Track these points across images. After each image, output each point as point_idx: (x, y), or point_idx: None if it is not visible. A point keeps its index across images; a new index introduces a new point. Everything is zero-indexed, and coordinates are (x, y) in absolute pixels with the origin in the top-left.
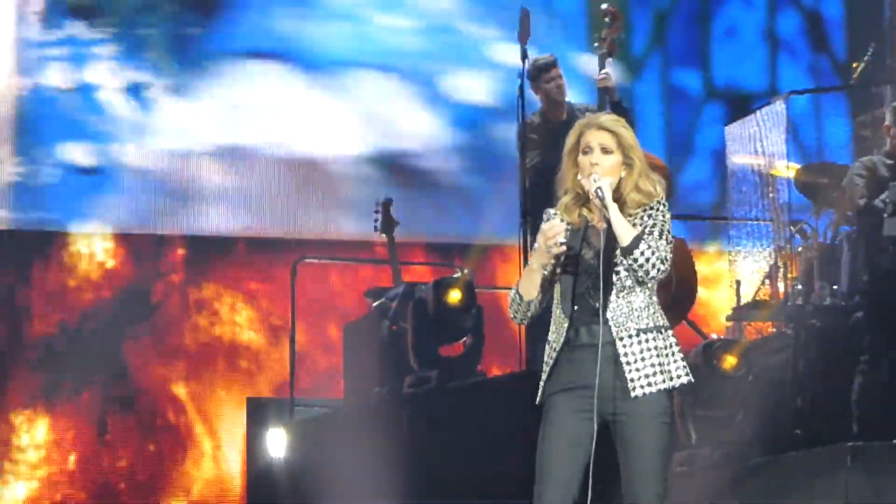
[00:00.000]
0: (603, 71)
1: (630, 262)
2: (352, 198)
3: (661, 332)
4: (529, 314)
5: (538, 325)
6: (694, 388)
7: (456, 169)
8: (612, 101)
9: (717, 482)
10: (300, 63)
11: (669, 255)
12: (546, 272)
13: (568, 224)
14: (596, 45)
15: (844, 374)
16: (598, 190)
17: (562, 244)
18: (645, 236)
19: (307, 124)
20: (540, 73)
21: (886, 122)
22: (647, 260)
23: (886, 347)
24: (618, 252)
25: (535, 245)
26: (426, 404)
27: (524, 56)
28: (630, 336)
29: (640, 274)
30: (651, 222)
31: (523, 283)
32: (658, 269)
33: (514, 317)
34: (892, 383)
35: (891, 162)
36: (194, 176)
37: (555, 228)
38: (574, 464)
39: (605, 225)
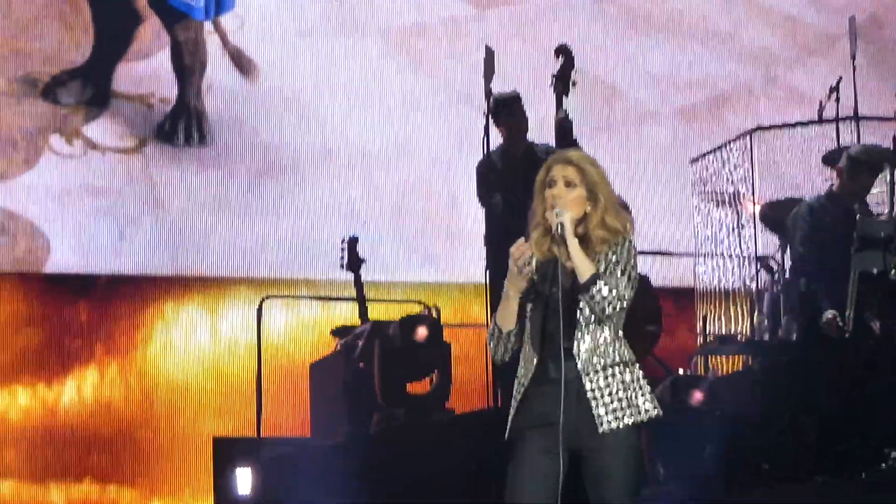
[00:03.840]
0: (560, 109)
1: (587, 298)
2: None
3: (628, 367)
4: (510, 347)
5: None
6: (661, 422)
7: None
8: (568, 142)
9: None
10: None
11: (629, 293)
12: (521, 297)
13: (539, 261)
14: (552, 84)
15: (811, 409)
16: (559, 225)
17: (529, 264)
18: (603, 273)
19: None
20: (502, 108)
21: (840, 164)
22: (604, 297)
23: (844, 384)
24: None
25: (508, 273)
26: (394, 442)
27: (488, 95)
28: (596, 371)
29: (597, 311)
30: (615, 259)
31: (500, 314)
32: (614, 307)
33: (496, 353)
34: (857, 420)
35: (832, 206)
36: None
37: (520, 248)
38: (542, 500)
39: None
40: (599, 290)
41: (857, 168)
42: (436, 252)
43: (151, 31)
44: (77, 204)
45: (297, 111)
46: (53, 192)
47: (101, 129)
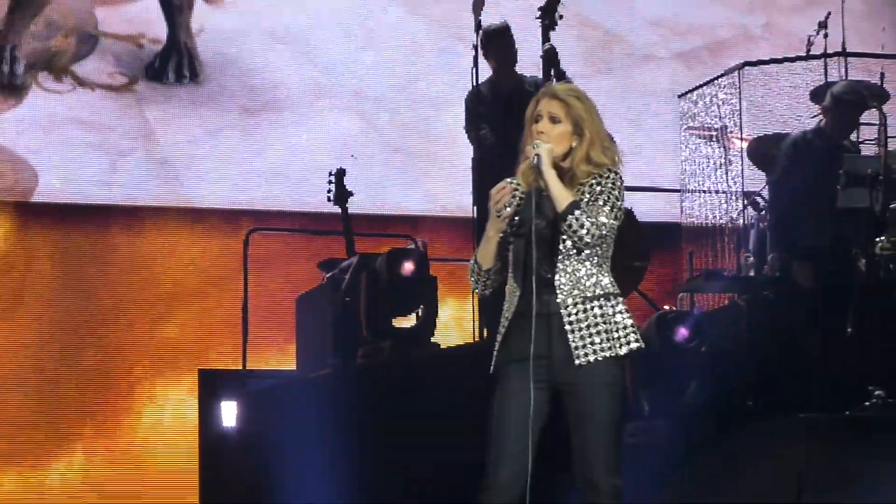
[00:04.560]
0: (546, 42)
1: (564, 227)
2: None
3: (609, 300)
4: (490, 283)
5: (493, 295)
6: (646, 358)
7: (411, 139)
8: (557, 72)
9: (670, 454)
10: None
11: (609, 222)
12: (502, 237)
13: (522, 193)
14: (538, 16)
15: (797, 345)
16: (536, 157)
17: (508, 207)
18: (584, 203)
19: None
20: (491, 39)
21: (825, 103)
22: (582, 225)
23: (835, 319)
24: None
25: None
26: (379, 375)
27: (478, 27)
28: (576, 304)
29: (574, 239)
30: (598, 189)
31: (481, 252)
32: (593, 235)
33: (475, 287)
34: (843, 355)
35: (820, 143)
36: None
37: (501, 192)
38: (527, 433)
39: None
40: (577, 219)
41: (840, 106)
42: (429, 185)
43: None
44: (66, 137)
45: (292, 51)
46: (42, 126)
47: (90, 68)
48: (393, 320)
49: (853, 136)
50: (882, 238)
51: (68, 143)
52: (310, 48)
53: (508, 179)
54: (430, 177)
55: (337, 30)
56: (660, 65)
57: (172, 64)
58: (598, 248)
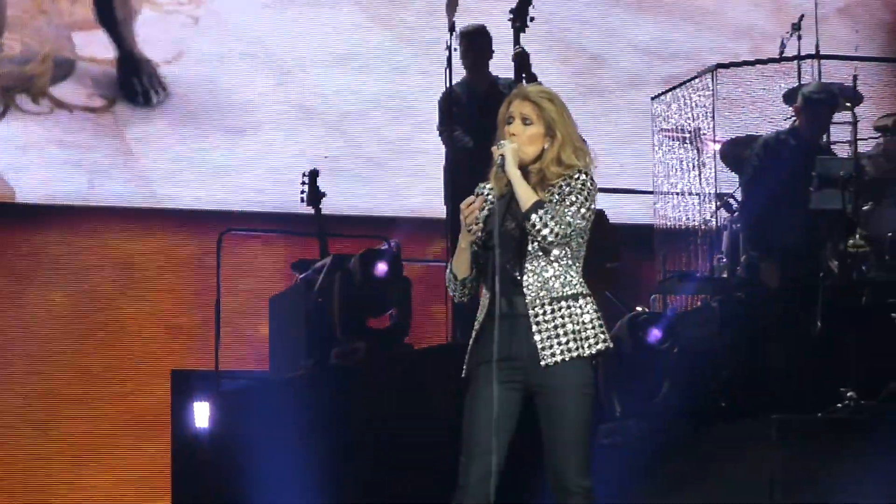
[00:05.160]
0: (517, 45)
1: (528, 227)
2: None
3: (578, 300)
4: (468, 291)
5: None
6: (619, 360)
7: (384, 141)
8: (528, 75)
9: (642, 455)
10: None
11: (575, 223)
12: (475, 248)
13: (493, 197)
14: (509, 18)
15: (769, 346)
16: (500, 157)
17: (479, 222)
18: (551, 203)
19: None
20: (468, 41)
21: (797, 104)
22: (546, 225)
23: (804, 321)
24: None
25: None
26: (353, 376)
27: (451, 28)
28: (543, 305)
29: (538, 239)
30: (567, 190)
31: (455, 263)
32: (557, 235)
33: (454, 295)
34: (816, 357)
35: (794, 143)
36: None
37: (470, 207)
38: (499, 434)
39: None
40: (541, 218)
41: (811, 105)
42: (403, 186)
43: None
44: (45, 156)
45: (272, 73)
46: (19, 146)
47: (68, 90)
48: (367, 321)
49: (825, 138)
50: (855, 237)
51: (47, 161)
52: (288, 69)
53: (480, 188)
54: (404, 178)
55: (317, 52)
56: (646, 91)
57: (138, 81)
58: (567, 249)
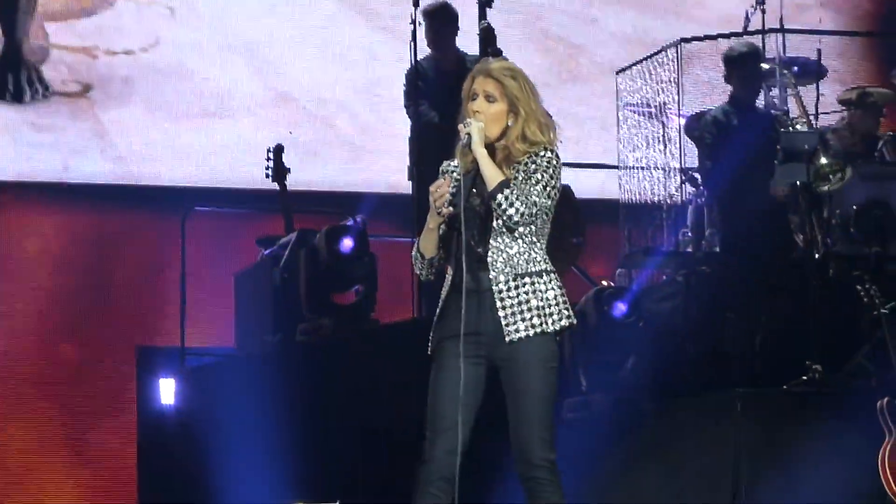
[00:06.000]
0: (483, 20)
1: (494, 206)
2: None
3: (542, 277)
4: (434, 269)
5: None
6: (584, 334)
7: (350, 115)
8: (493, 50)
9: (607, 429)
10: None
11: (541, 201)
12: (443, 230)
13: (459, 175)
14: None
15: (734, 320)
16: (467, 136)
17: (449, 205)
18: (517, 181)
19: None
20: (430, 18)
21: (724, 72)
22: (511, 204)
23: (768, 295)
24: None
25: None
26: (319, 351)
27: (416, 2)
28: (507, 281)
29: (504, 218)
30: (533, 168)
31: (422, 242)
32: (522, 214)
33: (420, 273)
34: (781, 330)
35: (738, 111)
36: None
37: (440, 190)
38: (465, 409)
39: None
40: (507, 198)
41: (733, 64)
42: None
43: None
44: (19, 137)
45: (247, 58)
46: None
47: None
48: (332, 297)
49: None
50: (823, 162)
51: (21, 143)
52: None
53: (445, 166)
54: (369, 153)
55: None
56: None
57: (14, 77)
58: (532, 227)
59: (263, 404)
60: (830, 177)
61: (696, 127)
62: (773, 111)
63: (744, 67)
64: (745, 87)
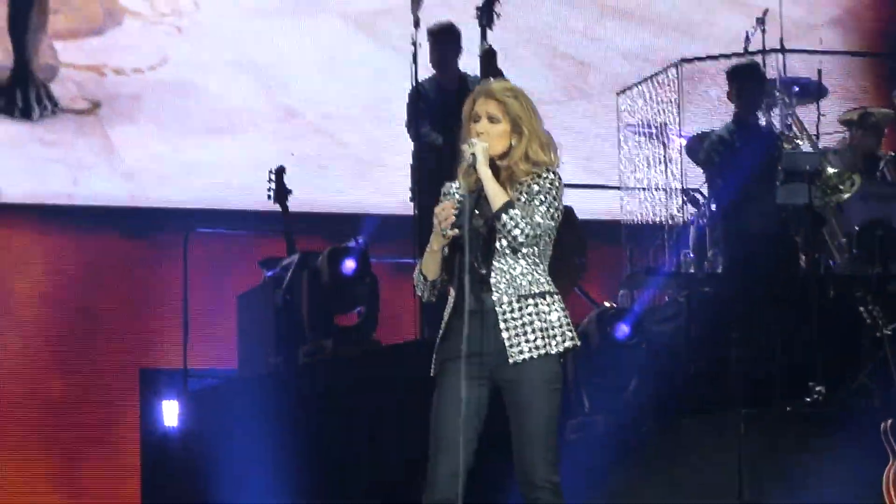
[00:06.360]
0: (484, 41)
1: (499, 227)
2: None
3: (545, 298)
4: (437, 291)
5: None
6: (587, 355)
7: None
8: (494, 72)
9: (610, 450)
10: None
11: (545, 223)
12: (445, 251)
13: (461, 195)
14: (476, 15)
15: (736, 341)
16: (472, 156)
17: (454, 227)
18: (521, 202)
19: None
20: (434, 39)
21: (728, 89)
22: (517, 225)
23: (769, 317)
24: None
25: (434, 229)
26: (321, 373)
27: (416, 23)
28: (510, 302)
29: (508, 239)
30: (536, 189)
31: (425, 264)
32: (527, 235)
33: (422, 296)
34: (783, 350)
35: (742, 131)
36: None
37: (445, 211)
38: (467, 430)
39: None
40: (512, 218)
41: (732, 80)
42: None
43: (102, 9)
44: (27, 153)
45: (257, 78)
46: (1, 144)
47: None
48: (334, 318)
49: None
50: (831, 172)
51: (29, 159)
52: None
53: (447, 188)
54: (372, 175)
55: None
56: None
57: (22, 93)
58: (534, 247)
59: (266, 425)
60: (840, 186)
61: (699, 148)
62: (776, 129)
63: (742, 83)
64: (745, 104)
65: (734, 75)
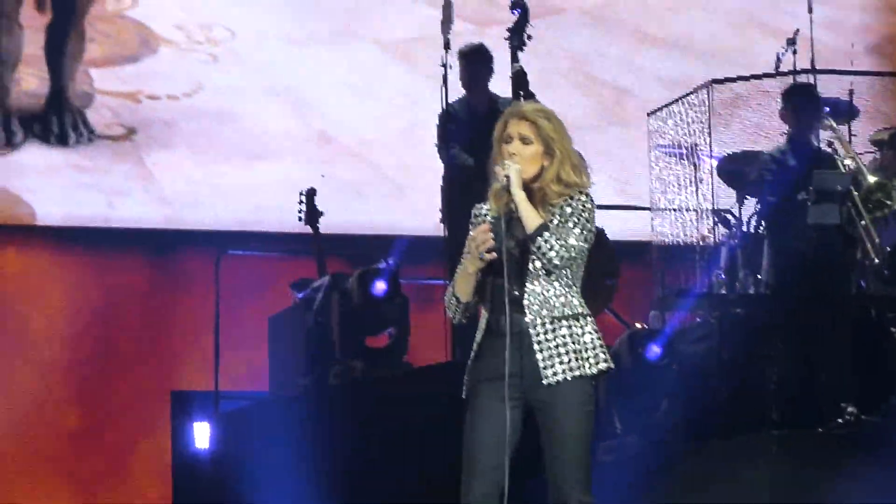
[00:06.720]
0: (515, 63)
1: (534, 249)
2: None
3: (578, 320)
4: (468, 313)
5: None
6: (618, 376)
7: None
8: (526, 93)
9: (642, 471)
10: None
11: (578, 245)
12: (480, 276)
13: (493, 217)
14: (507, 37)
15: (768, 362)
16: (506, 178)
17: (490, 250)
18: (554, 225)
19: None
20: (465, 60)
21: (780, 109)
22: (551, 248)
23: (802, 337)
24: None
25: (467, 249)
26: (352, 395)
27: (447, 45)
28: (544, 324)
29: (544, 262)
30: (569, 211)
31: (459, 286)
32: (561, 258)
33: (453, 318)
34: (812, 371)
35: (795, 151)
36: None
37: (483, 235)
38: (501, 452)
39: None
40: (547, 241)
41: (789, 100)
42: (401, 204)
43: (138, 38)
44: (64, 179)
45: (291, 104)
46: (39, 170)
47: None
48: (365, 340)
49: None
50: (873, 181)
51: (65, 184)
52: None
53: (477, 209)
54: (403, 196)
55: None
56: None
57: (58, 119)
58: (567, 269)
59: (297, 447)
60: (886, 201)
61: (732, 169)
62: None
63: (796, 103)
64: (799, 123)
65: (789, 95)
